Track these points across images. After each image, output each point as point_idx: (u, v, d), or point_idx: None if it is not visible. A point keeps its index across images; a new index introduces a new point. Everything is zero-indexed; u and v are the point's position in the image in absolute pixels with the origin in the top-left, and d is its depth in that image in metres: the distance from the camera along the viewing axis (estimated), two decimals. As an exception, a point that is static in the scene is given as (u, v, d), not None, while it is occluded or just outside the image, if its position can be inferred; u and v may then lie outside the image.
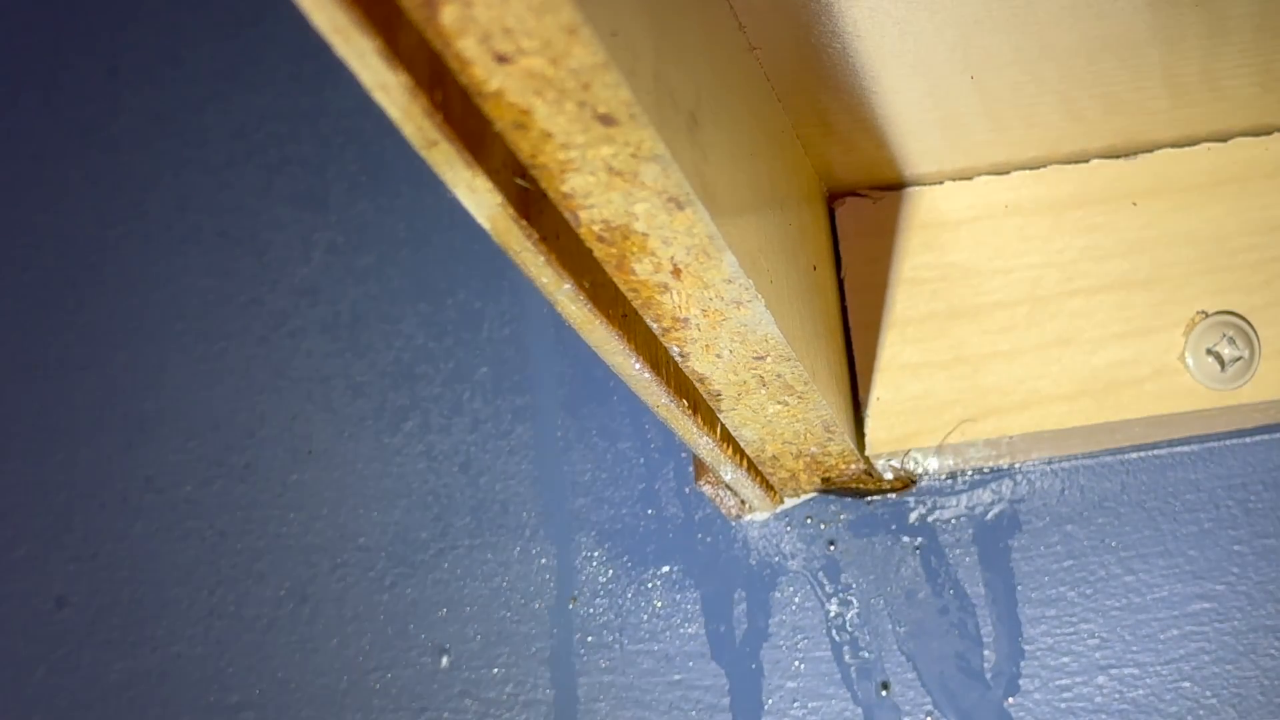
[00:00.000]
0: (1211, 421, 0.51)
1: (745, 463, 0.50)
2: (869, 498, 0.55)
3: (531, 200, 0.31)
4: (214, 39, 0.67)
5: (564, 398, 0.59)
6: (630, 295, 0.35)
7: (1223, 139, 0.50)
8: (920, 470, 0.54)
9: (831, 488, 0.54)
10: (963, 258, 0.51)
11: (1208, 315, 0.49)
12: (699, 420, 0.44)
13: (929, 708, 0.53)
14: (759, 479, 0.52)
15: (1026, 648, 0.53)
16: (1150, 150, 0.50)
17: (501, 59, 0.26)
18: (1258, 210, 0.49)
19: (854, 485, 0.54)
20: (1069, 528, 0.53)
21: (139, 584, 0.61)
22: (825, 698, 0.54)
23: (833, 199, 0.52)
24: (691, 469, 0.57)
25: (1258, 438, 0.53)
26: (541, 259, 0.32)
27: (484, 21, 0.25)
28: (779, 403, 0.44)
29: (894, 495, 0.54)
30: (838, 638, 0.54)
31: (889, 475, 0.54)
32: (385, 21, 0.24)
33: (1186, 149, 0.50)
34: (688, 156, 0.30)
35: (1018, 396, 0.49)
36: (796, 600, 0.55)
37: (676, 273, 0.34)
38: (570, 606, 0.57)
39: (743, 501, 0.55)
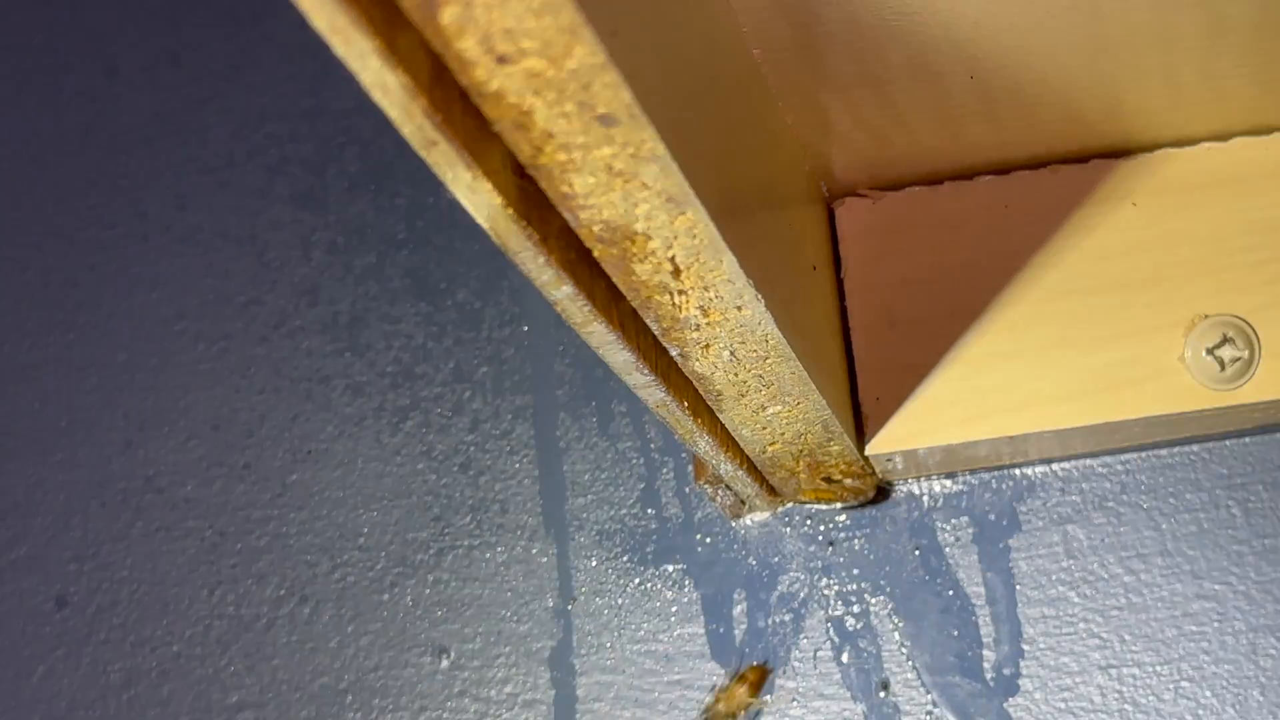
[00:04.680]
0: (1211, 421, 0.51)
1: (745, 463, 0.50)
2: (835, 505, 0.55)
3: (531, 200, 0.31)
4: (214, 39, 0.67)
5: (564, 398, 0.59)
6: (630, 295, 0.35)
7: (1223, 139, 0.50)
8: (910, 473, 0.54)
9: (805, 500, 0.54)
10: (963, 258, 0.51)
11: (1208, 316, 0.49)
12: (698, 420, 0.44)
13: (929, 708, 0.53)
14: (759, 479, 0.52)
15: (1026, 648, 0.53)
16: (1150, 150, 0.50)
17: (502, 59, 0.26)
18: (1258, 210, 0.49)
19: (823, 497, 0.54)
20: (1069, 528, 0.53)
21: (139, 584, 0.61)
22: (825, 698, 0.54)
23: (833, 199, 0.52)
24: (691, 469, 0.57)
25: (1258, 438, 0.53)
26: (541, 259, 0.32)
27: (484, 22, 0.25)
28: (779, 403, 0.44)
29: (855, 508, 0.54)
30: (838, 638, 0.54)
31: (884, 474, 0.54)
32: (385, 21, 0.24)
33: (1186, 149, 0.50)
34: (688, 156, 0.30)
35: (1018, 396, 0.49)
36: (796, 601, 0.55)
37: (676, 273, 0.34)
38: (570, 606, 0.57)
39: (742, 501, 0.55)
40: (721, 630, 0.55)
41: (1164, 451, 0.53)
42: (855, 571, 0.55)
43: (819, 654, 0.54)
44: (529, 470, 0.59)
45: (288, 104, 0.65)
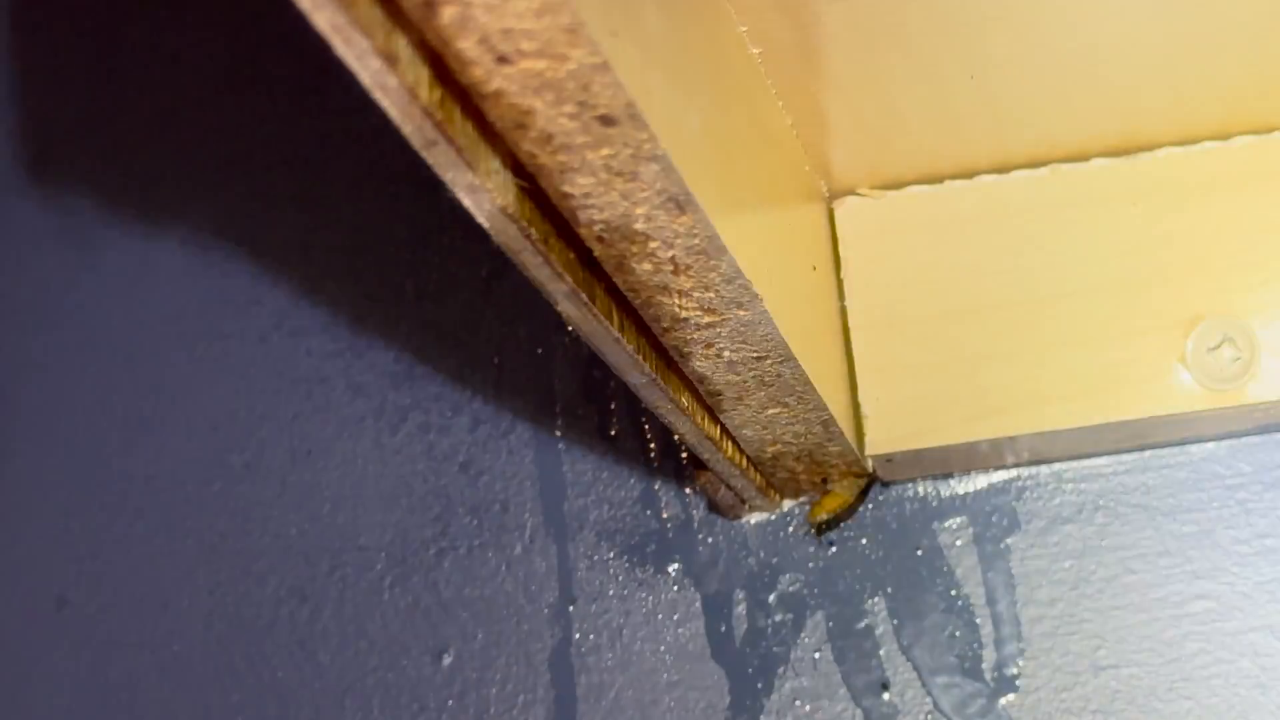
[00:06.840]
0: (1211, 422, 0.51)
1: (745, 463, 0.50)
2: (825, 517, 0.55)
3: (531, 200, 0.31)
4: (214, 39, 0.67)
5: (563, 398, 0.59)
6: (630, 295, 0.35)
7: (1223, 139, 0.50)
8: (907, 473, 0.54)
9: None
10: (963, 258, 0.51)
11: (1207, 316, 0.49)
12: (699, 420, 0.44)
13: (929, 708, 0.53)
14: (759, 479, 0.52)
15: (1026, 648, 0.53)
16: (1150, 150, 0.50)
17: (501, 60, 0.26)
18: (1258, 210, 0.49)
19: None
20: (1069, 528, 0.53)
21: (139, 584, 0.61)
22: (825, 698, 0.54)
23: (833, 199, 0.52)
24: (691, 469, 0.57)
25: (1258, 438, 0.53)
26: (541, 259, 0.32)
27: (484, 22, 0.25)
28: (779, 403, 0.44)
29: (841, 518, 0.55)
30: (838, 638, 0.54)
31: (884, 475, 0.54)
32: (385, 21, 0.24)
33: (1187, 149, 0.50)
34: (688, 156, 0.30)
35: (1018, 396, 0.49)
36: (796, 600, 0.55)
37: (676, 273, 0.34)
38: (570, 607, 0.57)
39: (743, 501, 0.55)
40: (721, 630, 0.55)
41: (1164, 451, 0.53)
42: (855, 571, 0.55)
43: (819, 654, 0.54)
44: (529, 470, 0.59)
45: (288, 104, 0.65)
